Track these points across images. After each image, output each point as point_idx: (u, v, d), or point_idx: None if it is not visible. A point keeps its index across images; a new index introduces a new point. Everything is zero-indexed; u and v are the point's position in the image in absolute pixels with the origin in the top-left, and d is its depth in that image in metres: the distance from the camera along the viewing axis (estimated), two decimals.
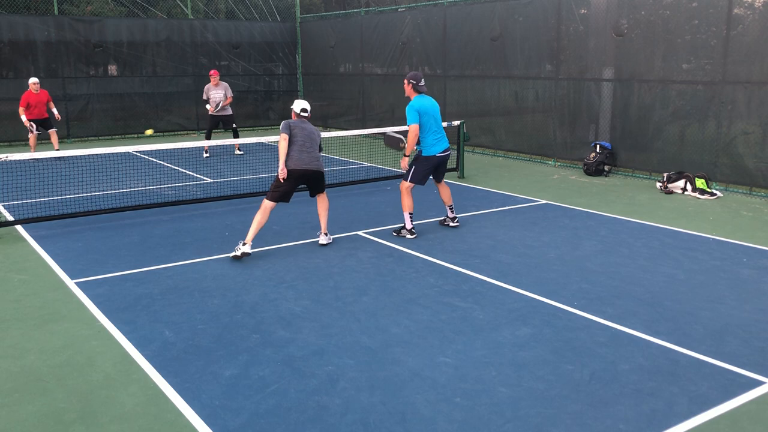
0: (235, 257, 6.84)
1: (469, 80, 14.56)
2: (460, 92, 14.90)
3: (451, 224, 8.12)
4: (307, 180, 7.24)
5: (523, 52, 13.22)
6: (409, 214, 7.67)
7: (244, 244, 6.92)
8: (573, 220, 8.51)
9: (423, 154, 7.73)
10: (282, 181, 7.04)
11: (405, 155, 7.70)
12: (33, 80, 13.26)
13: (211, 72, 13.83)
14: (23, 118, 13.10)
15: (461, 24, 14.47)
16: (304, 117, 7.37)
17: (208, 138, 13.94)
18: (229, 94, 13.82)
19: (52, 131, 13.64)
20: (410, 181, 7.72)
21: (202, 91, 14.22)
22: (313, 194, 7.48)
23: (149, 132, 14.85)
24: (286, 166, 7.04)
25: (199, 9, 20.46)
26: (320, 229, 7.48)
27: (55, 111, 13.54)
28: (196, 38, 18.37)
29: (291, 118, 7.36)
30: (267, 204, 7.07)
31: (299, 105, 7.36)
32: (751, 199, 9.79)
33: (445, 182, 8.15)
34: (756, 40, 9.77)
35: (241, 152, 14.52)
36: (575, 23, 12.32)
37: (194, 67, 18.45)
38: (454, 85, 15.01)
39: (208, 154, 14.07)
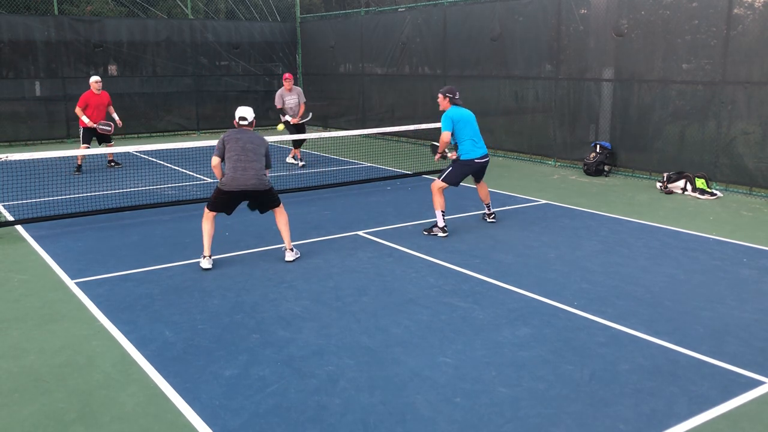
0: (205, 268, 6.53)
1: (469, 80, 14.56)
2: (461, 92, 14.80)
3: (488, 219, 8.40)
4: (247, 198, 6.65)
5: (523, 52, 13.22)
6: (441, 211, 7.77)
7: (204, 257, 6.57)
8: (573, 220, 8.51)
9: (462, 158, 7.90)
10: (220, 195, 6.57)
11: (438, 152, 8.07)
12: (95, 78, 11.99)
13: (286, 75, 12.45)
14: (85, 119, 11.74)
15: (461, 24, 14.47)
16: (245, 126, 6.66)
17: (298, 147, 12.93)
18: (302, 99, 12.68)
19: (110, 145, 12.20)
20: (443, 181, 7.86)
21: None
22: (262, 211, 6.88)
23: (281, 127, 13.49)
24: (221, 186, 6.51)
25: (199, 9, 20.46)
26: (284, 244, 6.86)
27: (115, 116, 12.44)
28: (196, 38, 18.38)
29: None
30: (206, 213, 6.63)
31: (239, 112, 6.66)
32: (751, 199, 9.79)
33: (483, 182, 8.39)
34: (756, 40, 9.77)
35: (303, 163, 13.07)
36: (575, 23, 12.32)
37: (194, 67, 18.45)
38: (454, 85, 14.96)
39: (303, 162, 12.95)
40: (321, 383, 4.26)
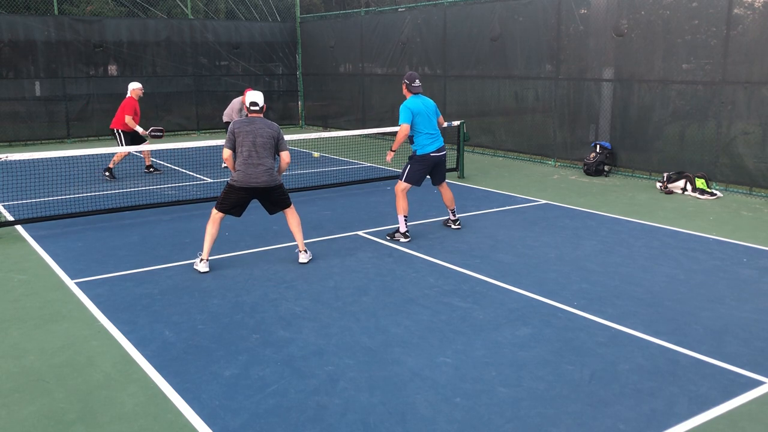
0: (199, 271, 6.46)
1: (469, 80, 14.56)
2: (460, 92, 14.89)
3: (453, 226, 8.03)
4: (258, 196, 6.45)
5: (523, 52, 13.22)
6: (404, 217, 7.46)
7: (201, 260, 6.45)
8: (573, 220, 8.51)
9: (417, 153, 7.54)
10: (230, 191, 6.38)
11: (391, 149, 7.57)
12: (138, 85, 11.62)
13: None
14: (139, 129, 11.32)
15: (461, 24, 14.47)
16: (255, 113, 6.34)
17: None
18: None
19: (147, 144, 11.72)
20: (405, 182, 7.52)
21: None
22: (272, 212, 6.69)
23: (316, 154, 13.35)
24: (233, 182, 6.33)
25: (199, 9, 20.46)
26: (298, 245, 6.77)
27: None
28: (196, 38, 18.38)
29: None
30: (214, 214, 6.46)
31: (249, 97, 6.31)
32: (751, 199, 9.79)
33: (447, 184, 7.96)
34: (756, 40, 9.77)
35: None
36: (575, 23, 12.32)
37: (194, 67, 18.45)
38: (454, 85, 15.00)
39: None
40: (321, 383, 4.26)
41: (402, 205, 7.47)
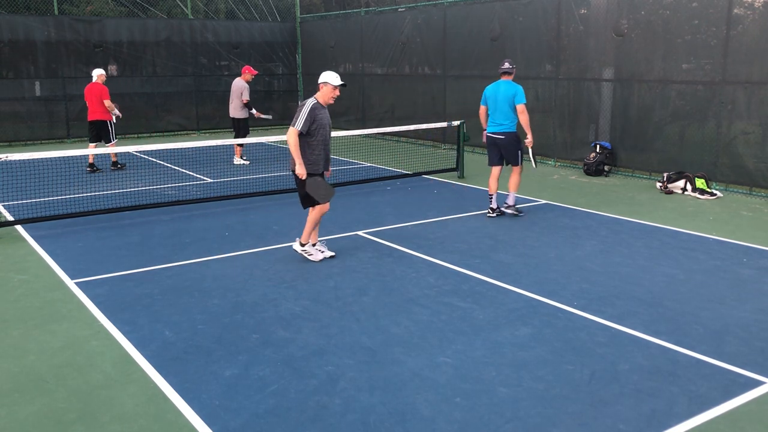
0: (332, 256, 6.75)
1: (469, 80, 14.56)
2: (460, 92, 14.89)
3: (504, 209, 8.68)
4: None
5: (523, 52, 13.22)
6: (489, 195, 8.50)
7: (313, 245, 6.74)
8: (573, 220, 8.51)
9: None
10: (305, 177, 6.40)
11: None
12: (102, 71, 12.16)
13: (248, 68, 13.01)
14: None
15: (461, 24, 14.47)
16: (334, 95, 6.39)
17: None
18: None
19: (112, 145, 12.29)
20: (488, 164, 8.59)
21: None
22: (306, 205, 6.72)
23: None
24: (314, 169, 6.44)
25: (199, 9, 20.46)
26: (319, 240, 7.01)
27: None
28: (196, 38, 18.37)
29: (305, 110, 6.35)
30: (320, 209, 6.59)
31: (335, 80, 6.33)
32: (751, 199, 9.79)
33: (516, 169, 8.59)
34: (756, 40, 9.77)
35: None
36: (575, 23, 12.32)
37: (194, 67, 18.45)
38: (454, 85, 15.00)
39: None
40: (321, 383, 4.26)
41: (490, 184, 8.57)
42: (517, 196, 8.97)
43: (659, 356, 4.62)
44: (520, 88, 8.32)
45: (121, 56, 17.52)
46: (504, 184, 8.84)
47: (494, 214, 8.52)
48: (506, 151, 8.49)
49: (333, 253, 6.80)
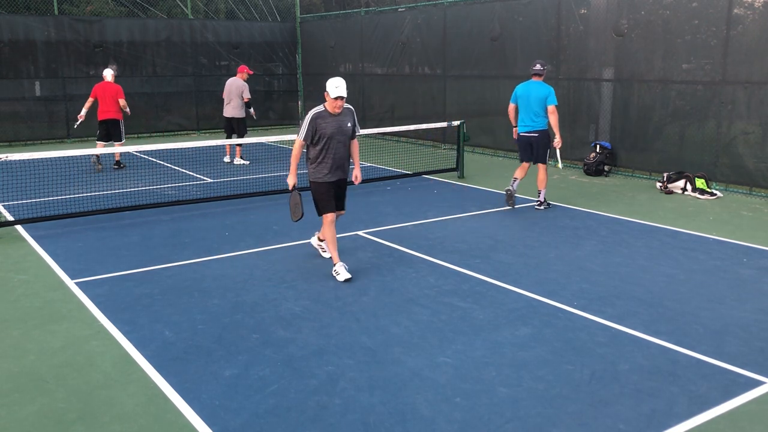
0: (347, 280, 6.17)
1: (469, 80, 14.56)
2: (460, 92, 14.89)
3: (537, 207, 9.01)
4: (337, 188, 6.41)
5: (523, 52, 13.21)
6: (514, 179, 8.90)
7: (337, 264, 6.25)
8: (573, 220, 8.51)
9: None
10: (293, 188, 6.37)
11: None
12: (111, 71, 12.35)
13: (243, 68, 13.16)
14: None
15: (461, 24, 14.47)
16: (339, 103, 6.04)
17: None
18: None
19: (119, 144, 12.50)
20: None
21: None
22: (338, 207, 6.49)
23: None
24: (317, 179, 6.24)
25: (199, 9, 20.46)
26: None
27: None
28: (196, 38, 18.37)
29: (317, 111, 6.16)
30: (328, 218, 6.33)
31: (330, 86, 5.99)
32: (751, 199, 9.79)
33: (542, 167, 8.93)
34: (756, 40, 9.77)
35: None
36: (575, 23, 12.32)
37: (194, 67, 18.44)
38: (454, 85, 15.00)
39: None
40: (321, 383, 4.26)
41: (540, 178, 8.94)
42: (517, 196, 8.99)
43: (659, 356, 4.62)
44: (551, 89, 8.61)
45: (121, 56, 17.51)
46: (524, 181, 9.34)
47: (507, 193, 8.97)
48: (538, 148, 8.80)
49: (350, 276, 6.22)
